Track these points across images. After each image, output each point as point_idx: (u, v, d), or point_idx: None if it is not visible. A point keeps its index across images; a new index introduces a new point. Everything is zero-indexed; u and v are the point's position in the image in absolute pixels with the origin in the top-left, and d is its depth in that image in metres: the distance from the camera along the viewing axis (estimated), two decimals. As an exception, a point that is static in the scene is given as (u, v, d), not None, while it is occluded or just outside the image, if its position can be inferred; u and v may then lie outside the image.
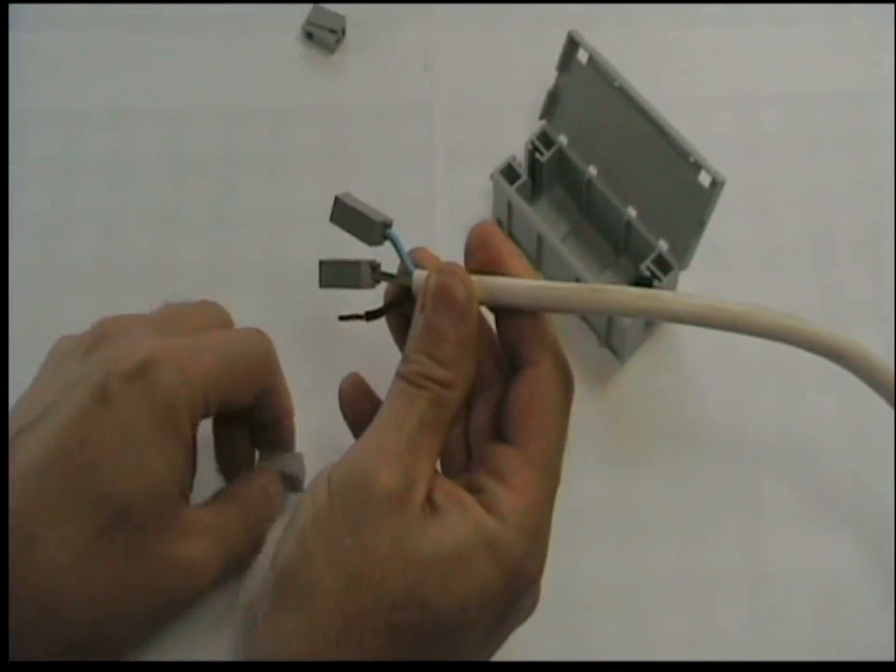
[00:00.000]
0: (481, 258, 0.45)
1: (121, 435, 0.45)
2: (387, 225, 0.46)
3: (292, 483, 0.55)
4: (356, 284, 0.46)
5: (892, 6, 0.71)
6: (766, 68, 0.70)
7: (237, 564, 0.49)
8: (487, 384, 0.45)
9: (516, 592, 0.42)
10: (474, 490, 0.42)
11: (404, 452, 0.41)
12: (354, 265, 0.46)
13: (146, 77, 0.70)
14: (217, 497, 0.52)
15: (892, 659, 0.55)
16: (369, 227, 0.46)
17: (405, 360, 0.43)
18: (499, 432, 0.44)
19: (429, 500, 0.41)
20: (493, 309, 0.45)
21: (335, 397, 0.49)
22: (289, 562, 0.40)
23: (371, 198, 0.66)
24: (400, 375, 0.43)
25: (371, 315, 0.46)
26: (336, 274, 0.47)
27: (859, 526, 0.59)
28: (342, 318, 0.47)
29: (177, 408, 0.46)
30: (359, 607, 0.39)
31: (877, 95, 0.68)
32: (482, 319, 0.45)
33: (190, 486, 0.49)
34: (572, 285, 0.43)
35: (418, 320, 0.43)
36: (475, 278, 0.44)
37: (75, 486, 0.44)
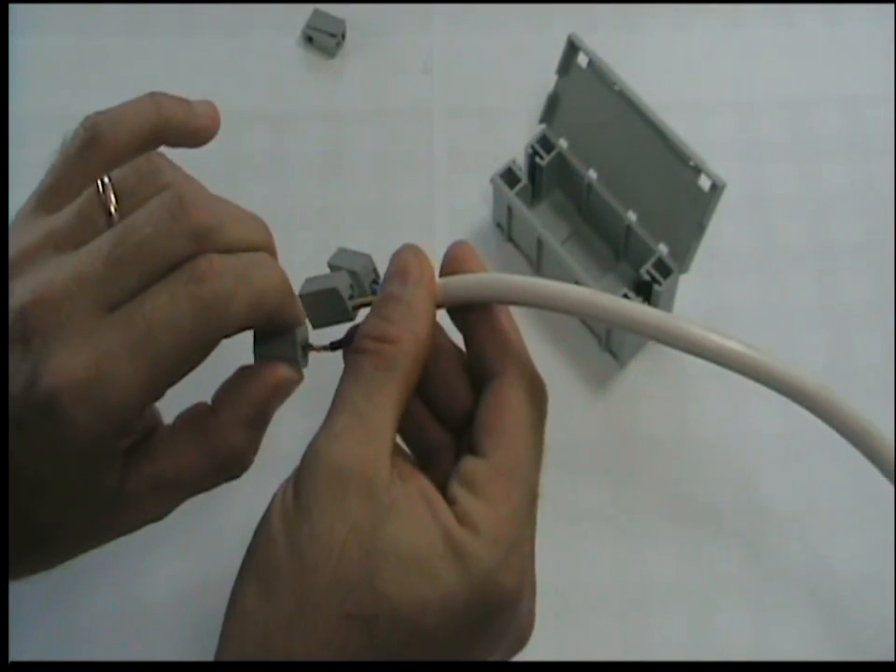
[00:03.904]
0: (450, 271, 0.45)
1: (40, 470, 0.40)
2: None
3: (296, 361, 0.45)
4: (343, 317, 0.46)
5: (892, 6, 0.71)
6: (766, 71, 0.70)
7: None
8: (464, 412, 0.45)
9: (486, 608, 0.40)
10: (447, 501, 0.41)
11: (354, 427, 0.40)
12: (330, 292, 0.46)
13: (146, 81, 0.69)
14: (188, 422, 0.44)
15: (892, 659, 0.55)
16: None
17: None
18: (471, 445, 0.43)
19: (403, 491, 0.40)
20: (461, 327, 0.45)
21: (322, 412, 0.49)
22: (256, 547, 0.41)
23: (370, 201, 0.67)
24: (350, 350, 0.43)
25: (335, 346, 0.46)
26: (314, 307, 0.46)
27: (859, 527, 0.59)
28: (311, 349, 0.45)
29: (100, 442, 0.40)
30: (313, 592, 0.39)
31: (877, 98, 0.69)
32: (453, 344, 0.45)
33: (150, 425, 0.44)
34: (519, 276, 0.43)
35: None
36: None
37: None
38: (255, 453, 0.44)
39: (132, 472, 0.42)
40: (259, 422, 0.43)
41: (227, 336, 0.41)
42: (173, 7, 0.72)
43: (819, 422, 0.61)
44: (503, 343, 0.44)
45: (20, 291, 0.41)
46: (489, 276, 0.43)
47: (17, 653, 0.55)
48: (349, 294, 0.44)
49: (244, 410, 0.43)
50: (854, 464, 0.60)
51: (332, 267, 0.45)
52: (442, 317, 0.44)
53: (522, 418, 0.43)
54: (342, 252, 0.46)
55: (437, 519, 0.40)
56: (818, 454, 0.60)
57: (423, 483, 0.41)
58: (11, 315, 0.40)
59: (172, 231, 0.40)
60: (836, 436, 0.60)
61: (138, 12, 0.72)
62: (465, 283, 0.43)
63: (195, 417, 0.43)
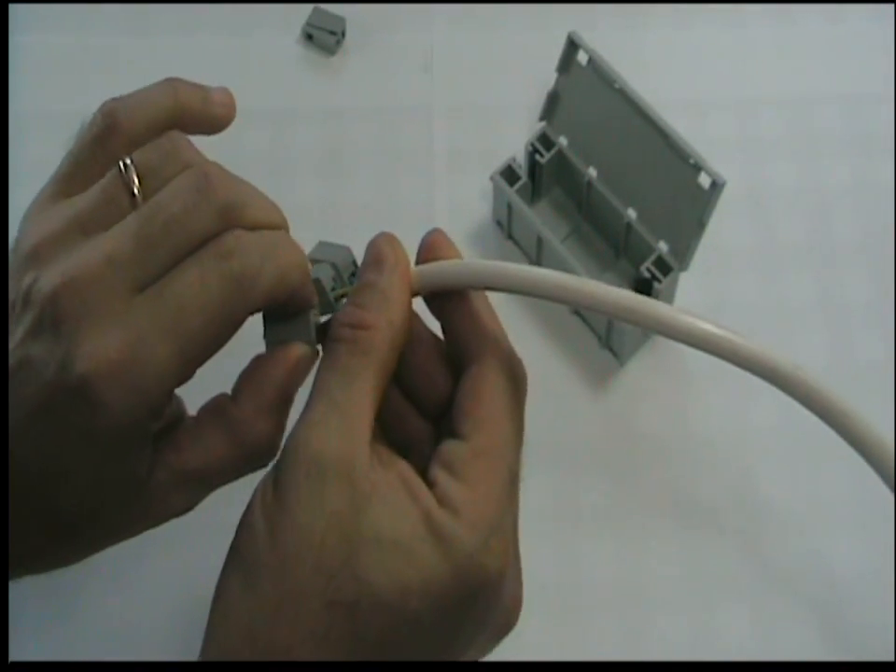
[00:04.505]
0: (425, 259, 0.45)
1: (70, 457, 0.41)
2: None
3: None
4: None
5: (892, 6, 0.71)
6: (766, 70, 0.70)
7: None
8: (443, 402, 0.44)
9: (469, 590, 0.40)
10: (427, 485, 0.41)
11: (331, 415, 0.40)
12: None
13: (146, 79, 0.69)
14: (211, 414, 0.44)
15: (892, 659, 0.55)
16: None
17: None
18: (451, 429, 0.43)
19: (383, 476, 0.40)
20: (438, 315, 0.45)
21: None
22: (239, 540, 0.41)
23: (370, 199, 0.67)
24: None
25: None
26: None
27: (859, 526, 0.59)
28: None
29: (132, 427, 0.41)
30: (295, 582, 0.39)
31: (877, 97, 0.69)
32: (431, 333, 0.45)
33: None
34: (491, 261, 0.43)
35: None
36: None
37: (28, 508, 0.41)
38: (281, 439, 0.43)
39: (159, 463, 0.42)
40: (281, 405, 0.43)
41: (252, 313, 0.41)
42: (172, 5, 0.72)
43: (819, 420, 0.61)
44: (479, 327, 0.43)
45: (49, 276, 0.40)
46: (462, 262, 0.44)
47: (17, 653, 0.55)
48: (331, 286, 0.45)
49: (265, 395, 0.43)
50: (855, 462, 0.60)
51: (313, 260, 0.45)
52: (423, 312, 0.44)
53: (500, 400, 0.43)
54: (322, 245, 0.46)
55: (417, 502, 0.40)
56: (818, 452, 0.60)
57: (403, 467, 0.41)
58: (42, 301, 0.40)
59: (199, 208, 0.41)
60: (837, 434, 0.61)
61: (138, 11, 0.72)
62: (439, 269, 0.44)
63: (217, 408, 0.43)
